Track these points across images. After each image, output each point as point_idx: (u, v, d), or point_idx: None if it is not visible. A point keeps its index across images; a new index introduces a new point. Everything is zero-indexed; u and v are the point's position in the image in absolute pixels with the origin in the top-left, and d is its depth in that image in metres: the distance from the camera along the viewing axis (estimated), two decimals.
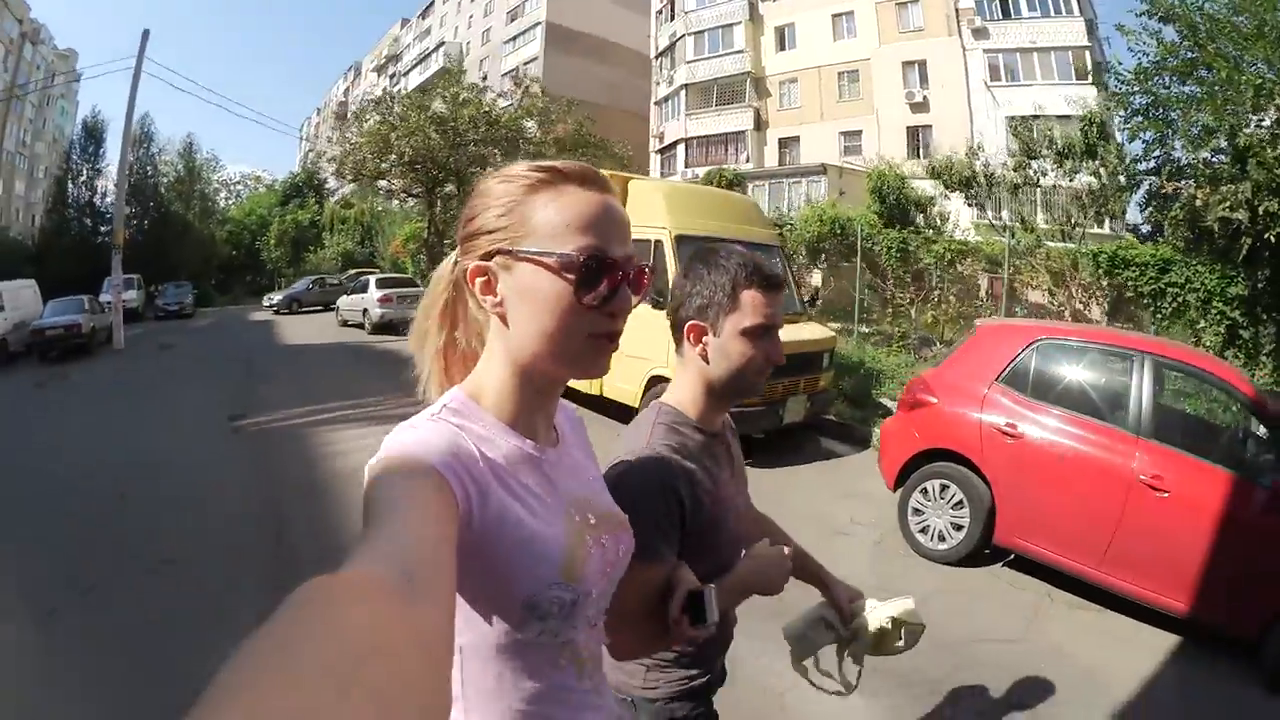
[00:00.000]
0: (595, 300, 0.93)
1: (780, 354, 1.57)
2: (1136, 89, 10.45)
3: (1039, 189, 15.59)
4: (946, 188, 17.06)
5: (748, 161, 32.66)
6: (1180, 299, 11.46)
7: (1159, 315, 11.70)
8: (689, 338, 1.57)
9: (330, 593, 0.49)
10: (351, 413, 9.54)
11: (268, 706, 0.36)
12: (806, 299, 9.52)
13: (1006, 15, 28.20)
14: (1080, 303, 12.78)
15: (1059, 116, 17.74)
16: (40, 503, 6.31)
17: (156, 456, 7.69)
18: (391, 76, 63.52)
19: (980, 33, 28.55)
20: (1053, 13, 27.44)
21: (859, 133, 31.27)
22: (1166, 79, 10.18)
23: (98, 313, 19.51)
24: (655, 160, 38.51)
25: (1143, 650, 4.25)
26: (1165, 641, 4.35)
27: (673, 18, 38.38)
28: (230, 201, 55.66)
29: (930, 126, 29.04)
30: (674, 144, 36.76)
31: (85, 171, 36.56)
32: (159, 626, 4.07)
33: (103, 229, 33.69)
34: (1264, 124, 9.26)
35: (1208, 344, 10.74)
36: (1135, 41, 10.18)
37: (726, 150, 34.79)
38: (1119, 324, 12.07)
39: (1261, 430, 4.48)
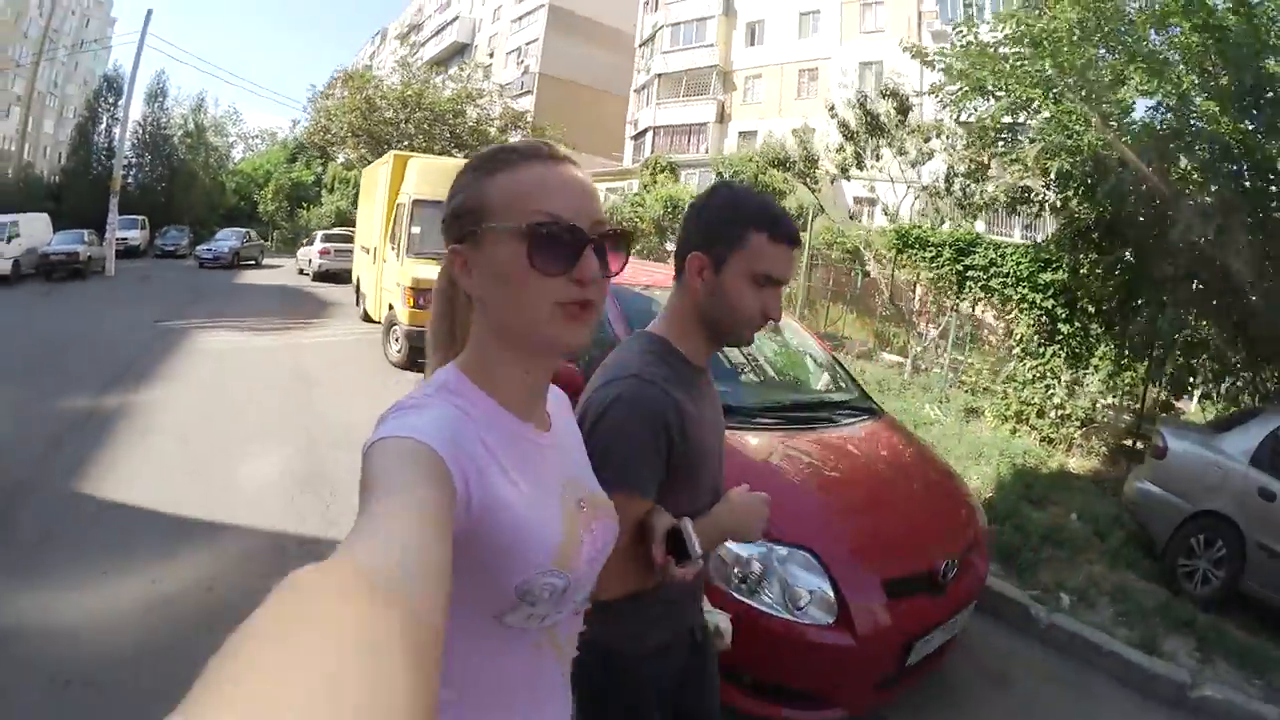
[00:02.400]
0: (553, 267, 0.92)
1: (779, 311, 1.50)
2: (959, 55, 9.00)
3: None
4: (784, 170, 18.12)
5: (706, 152, 33.54)
6: (983, 284, 10.92)
7: (960, 300, 11.37)
8: (689, 268, 1.51)
9: (319, 586, 0.48)
10: (234, 323, 13.05)
11: (253, 704, 0.35)
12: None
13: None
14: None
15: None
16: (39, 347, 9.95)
17: (99, 335, 11.32)
18: (411, 45, 65.38)
19: (939, 36, 28.87)
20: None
21: (814, 131, 32.32)
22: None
23: (95, 245, 22.66)
24: (630, 146, 40.03)
25: None
26: None
27: (656, 9, 39.70)
28: (246, 154, 58.64)
29: None
30: (644, 131, 38.11)
31: (105, 120, 39.50)
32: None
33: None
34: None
35: (1020, 335, 10.08)
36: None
37: (689, 140, 35.86)
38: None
39: None
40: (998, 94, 8.51)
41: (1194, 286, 8.05)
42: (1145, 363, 8.71)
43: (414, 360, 9.09)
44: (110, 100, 39.41)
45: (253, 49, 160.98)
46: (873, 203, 19.39)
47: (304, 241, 27.40)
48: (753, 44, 35.65)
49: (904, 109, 15.80)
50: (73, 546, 4.13)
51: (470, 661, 0.93)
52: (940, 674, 3.67)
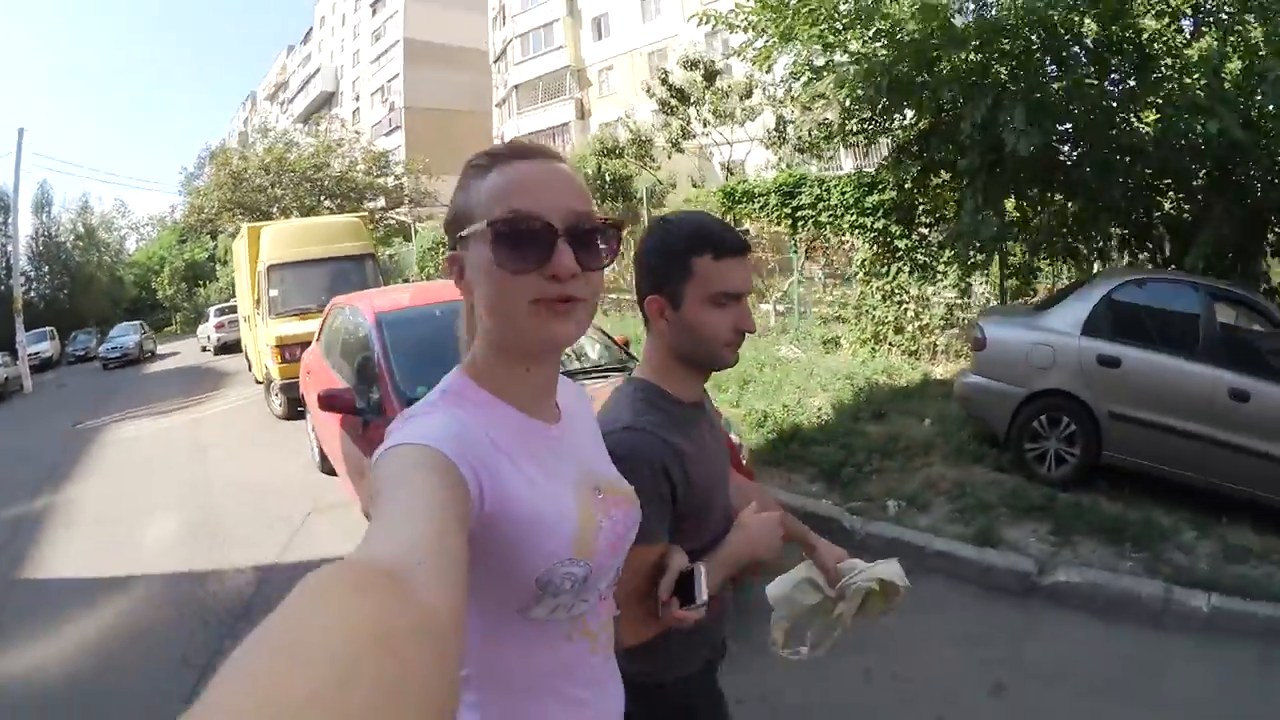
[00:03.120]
0: (518, 264, 0.92)
1: (750, 321, 1.51)
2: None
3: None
4: (617, 157, 19.00)
5: (572, 150, 34.56)
6: (813, 220, 11.14)
7: (794, 243, 11.49)
8: (650, 312, 1.52)
9: (337, 581, 0.49)
10: (142, 411, 14.20)
11: (272, 695, 0.37)
12: None
13: None
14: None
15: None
16: None
17: (25, 447, 12.33)
18: (281, 103, 65.67)
19: None
20: None
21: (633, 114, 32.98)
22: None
23: (10, 365, 23.47)
24: None
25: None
26: None
27: (504, 23, 40.88)
28: (139, 244, 58.98)
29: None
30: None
31: None
32: None
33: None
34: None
35: (861, 260, 10.40)
36: None
37: (554, 142, 35.92)
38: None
39: None
40: (803, 40, 8.26)
41: (995, 172, 7.97)
42: (995, 258, 8.87)
43: (294, 410, 9.89)
44: None
45: (129, 135, 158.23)
46: (736, 166, 19.66)
47: (203, 320, 28.44)
48: (600, 38, 36.91)
49: (710, 75, 16.98)
50: (16, 617, 5.28)
51: (502, 661, 0.96)
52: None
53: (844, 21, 7.92)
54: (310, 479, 7.39)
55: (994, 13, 7.53)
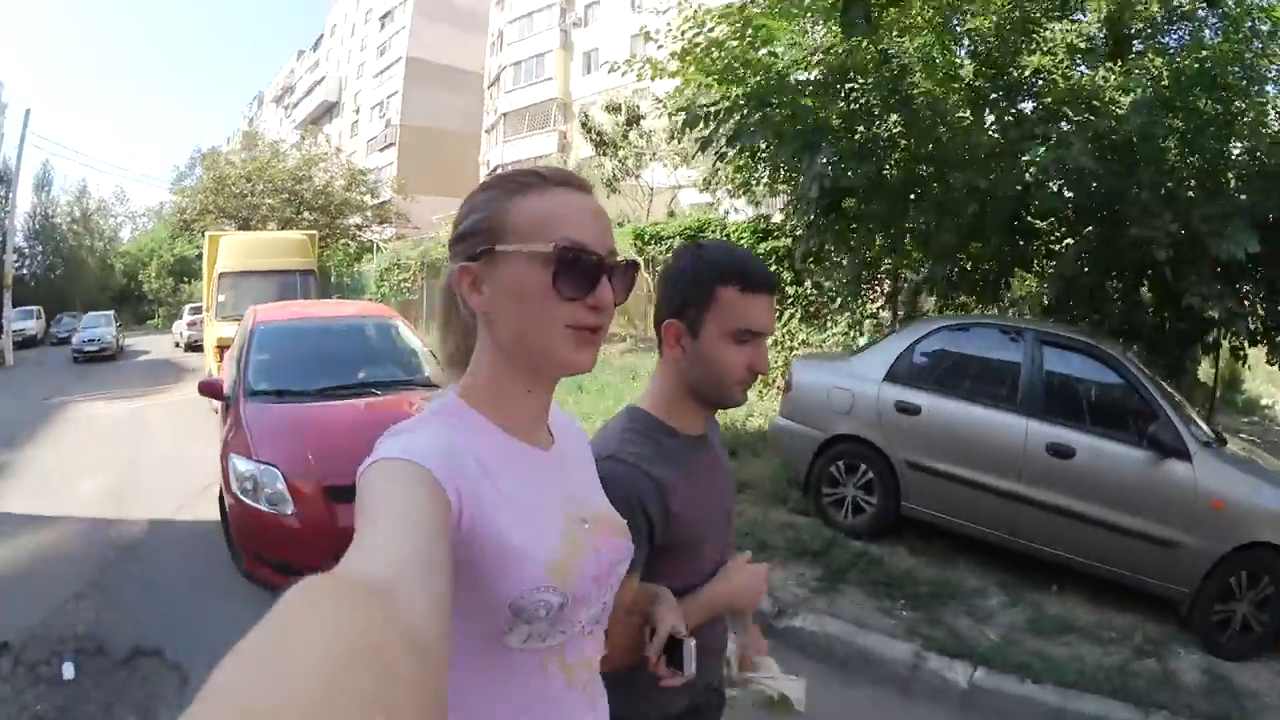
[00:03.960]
0: (574, 292, 0.96)
1: (765, 363, 1.49)
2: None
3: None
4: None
5: None
6: None
7: None
8: (666, 337, 1.49)
9: (323, 594, 0.50)
10: (105, 395, 15.66)
11: (259, 708, 0.37)
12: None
13: None
14: None
15: None
16: None
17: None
18: (286, 107, 66.87)
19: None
20: None
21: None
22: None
23: None
24: None
25: None
26: None
27: (501, 49, 42.04)
28: (134, 233, 59.85)
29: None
30: (495, 169, 38.57)
31: None
32: None
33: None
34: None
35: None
36: None
37: None
38: None
39: None
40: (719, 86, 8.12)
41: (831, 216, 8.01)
42: (889, 305, 9.05)
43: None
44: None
45: (138, 123, 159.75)
46: (677, 208, 20.36)
47: (178, 317, 29.73)
48: (588, 72, 37.34)
49: (633, 119, 17.78)
50: None
51: (475, 688, 0.95)
52: None
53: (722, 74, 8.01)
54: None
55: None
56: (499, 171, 1.63)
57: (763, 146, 8.06)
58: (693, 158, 12.15)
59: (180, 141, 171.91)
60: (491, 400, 1.02)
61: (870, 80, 7.38)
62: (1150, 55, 7.34)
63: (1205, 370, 9.01)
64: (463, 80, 48.88)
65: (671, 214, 17.58)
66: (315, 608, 0.48)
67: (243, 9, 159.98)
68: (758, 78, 7.63)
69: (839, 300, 9.84)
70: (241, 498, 4.74)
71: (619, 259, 1.03)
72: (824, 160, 7.07)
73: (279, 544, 4.65)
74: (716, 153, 8.73)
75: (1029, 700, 3.76)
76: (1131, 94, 6.66)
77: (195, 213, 29.74)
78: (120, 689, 3.97)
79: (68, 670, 4.12)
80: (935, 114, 7.40)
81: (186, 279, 45.59)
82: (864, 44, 7.04)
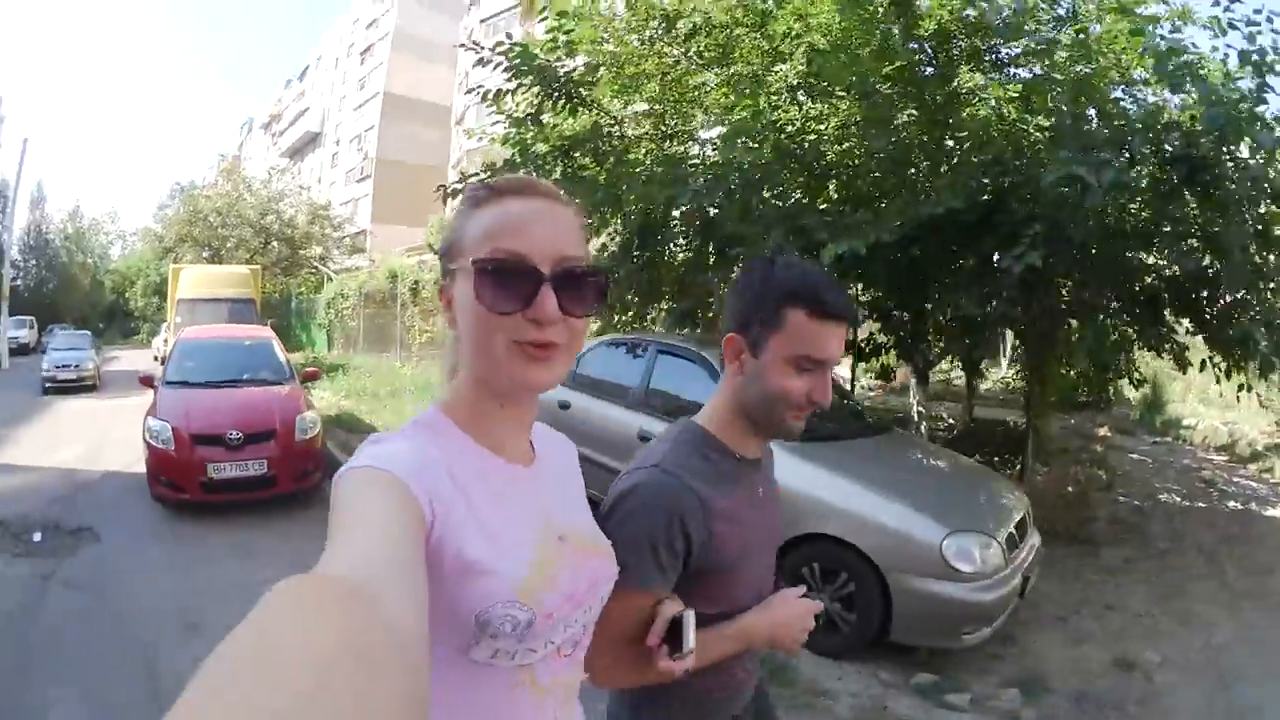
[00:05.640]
0: (504, 305, 0.92)
1: (827, 395, 1.38)
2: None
3: None
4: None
5: None
6: None
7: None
8: (727, 351, 1.43)
9: (305, 593, 0.50)
10: (93, 395, 18.68)
11: (242, 708, 0.37)
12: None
13: None
14: None
15: None
16: None
17: None
18: (273, 135, 68.70)
19: None
20: None
21: None
22: None
23: None
24: None
25: None
26: None
27: (468, 89, 44.37)
28: (124, 252, 61.08)
29: None
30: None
31: None
32: None
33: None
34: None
35: None
36: None
37: None
38: None
39: None
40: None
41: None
42: None
43: None
44: None
45: (132, 144, 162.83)
46: None
47: (157, 333, 32.40)
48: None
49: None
50: None
51: (442, 699, 0.91)
52: None
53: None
54: None
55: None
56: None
57: None
58: None
59: (181, 152, 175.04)
60: (469, 415, 1.02)
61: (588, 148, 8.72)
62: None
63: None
64: (436, 115, 50.81)
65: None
66: (300, 606, 0.48)
67: (245, 33, 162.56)
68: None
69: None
70: (150, 441, 7.37)
71: (575, 266, 0.97)
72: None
73: (167, 469, 7.30)
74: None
75: None
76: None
77: (173, 241, 32.15)
78: (67, 546, 6.62)
79: (37, 536, 6.72)
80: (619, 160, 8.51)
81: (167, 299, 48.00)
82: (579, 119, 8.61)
